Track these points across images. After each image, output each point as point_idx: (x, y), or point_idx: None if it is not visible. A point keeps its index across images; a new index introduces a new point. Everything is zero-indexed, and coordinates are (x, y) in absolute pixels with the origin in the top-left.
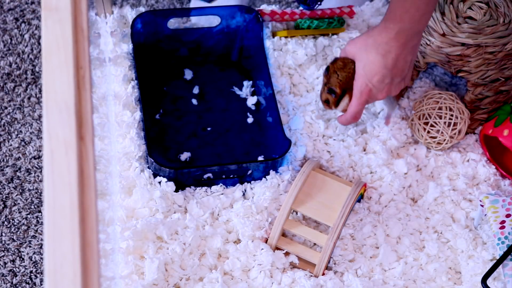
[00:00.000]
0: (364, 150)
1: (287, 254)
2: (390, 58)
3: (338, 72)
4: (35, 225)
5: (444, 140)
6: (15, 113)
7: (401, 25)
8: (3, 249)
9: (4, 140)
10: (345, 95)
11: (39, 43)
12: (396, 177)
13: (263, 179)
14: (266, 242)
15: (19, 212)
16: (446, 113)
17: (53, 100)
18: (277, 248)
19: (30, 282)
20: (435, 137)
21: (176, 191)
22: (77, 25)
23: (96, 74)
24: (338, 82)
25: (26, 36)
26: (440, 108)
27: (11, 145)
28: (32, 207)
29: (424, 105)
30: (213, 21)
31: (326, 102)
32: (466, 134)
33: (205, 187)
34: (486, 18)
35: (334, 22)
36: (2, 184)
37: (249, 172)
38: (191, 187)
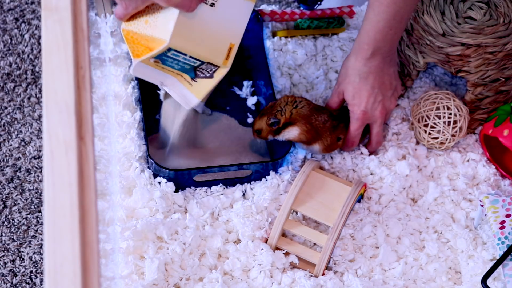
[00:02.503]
0: (365, 151)
1: (287, 254)
2: (372, 78)
3: (287, 106)
4: (35, 225)
5: (447, 139)
6: (15, 113)
7: (376, 45)
8: (3, 249)
9: (4, 140)
10: (290, 126)
11: (39, 43)
12: (396, 178)
13: (263, 179)
14: (266, 242)
15: (19, 212)
16: (444, 113)
17: (53, 100)
18: (277, 248)
19: (30, 282)
20: (437, 138)
21: (176, 191)
22: (77, 25)
23: (96, 74)
24: (285, 113)
25: (26, 36)
26: (437, 108)
27: (11, 145)
28: (32, 207)
29: (421, 107)
30: None
31: (257, 132)
32: (466, 134)
33: (205, 187)
34: (486, 18)
35: (334, 22)
36: (2, 184)
37: (249, 173)
38: (191, 187)
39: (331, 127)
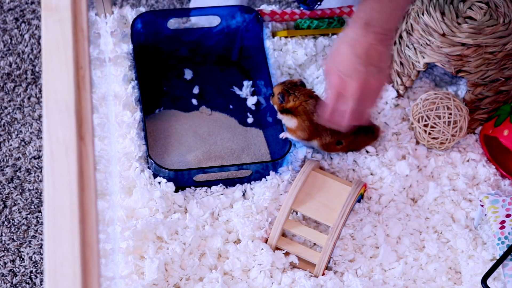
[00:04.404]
0: (365, 151)
1: (287, 254)
2: (359, 47)
3: (300, 99)
4: (35, 225)
5: (447, 139)
6: (15, 113)
7: (371, 14)
8: (3, 249)
9: (4, 140)
10: (291, 115)
11: (39, 43)
12: (396, 178)
13: (263, 179)
14: (266, 242)
15: (19, 212)
16: (444, 113)
17: (53, 100)
18: (277, 248)
19: (30, 282)
20: (437, 138)
21: (176, 191)
22: (77, 25)
23: (96, 74)
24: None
25: (26, 36)
26: (437, 108)
27: (11, 145)
28: (32, 207)
29: (421, 108)
30: (213, 21)
31: (281, 95)
32: (466, 134)
33: (205, 187)
34: (486, 18)
35: (334, 22)
36: (2, 184)
37: (249, 173)
38: (191, 187)
39: (332, 128)
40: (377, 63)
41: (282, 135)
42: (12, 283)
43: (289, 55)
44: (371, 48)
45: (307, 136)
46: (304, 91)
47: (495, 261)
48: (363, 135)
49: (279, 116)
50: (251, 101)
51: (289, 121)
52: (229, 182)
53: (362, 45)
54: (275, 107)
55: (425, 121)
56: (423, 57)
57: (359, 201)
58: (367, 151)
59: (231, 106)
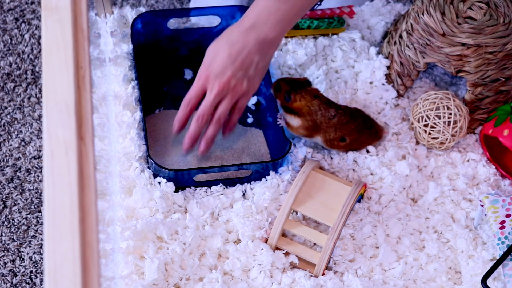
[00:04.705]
0: (365, 151)
1: (287, 254)
2: (235, 48)
3: (304, 99)
4: (35, 225)
5: (447, 139)
6: (15, 113)
7: (258, 19)
8: (3, 249)
9: (4, 140)
10: (295, 115)
11: (39, 43)
12: (396, 178)
13: (263, 179)
14: (266, 242)
15: (19, 212)
16: (444, 113)
17: (53, 100)
18: (277, 248)
19: (30, 282)
20: (437, 138)
21: (176, 191)
22: (77, 25)
23: (96, 74)
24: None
25: (26, 36)
26: (437, 108)
27: (11, 145)
28: (32, 207)
29: (421, 107)
30: (213, 21)
31: (287, 93)
32: (466, 134)
33: (205, 187)
34: (486, 18)
35: (334, 22)
36: (2, 184)
37: (249, 173)
38: (191, 187)
39: (338, 123)
40: (247, 70)
41: (280, 123)
42: (12, 283)
43: (289, 55)
44: (247, 54)
45: (309, 134)
46: (310, 91)
47: (495, 261)
48: (367, 134)
49: (282, 112)
50: (251, 101)
51: (292, 120)
52: (229, 182)
53: (239, 48)
54: (278, 101)
55: (425, 121)
56: (423, 57)
57: (359, 201)
58: (367, 151)
59: None
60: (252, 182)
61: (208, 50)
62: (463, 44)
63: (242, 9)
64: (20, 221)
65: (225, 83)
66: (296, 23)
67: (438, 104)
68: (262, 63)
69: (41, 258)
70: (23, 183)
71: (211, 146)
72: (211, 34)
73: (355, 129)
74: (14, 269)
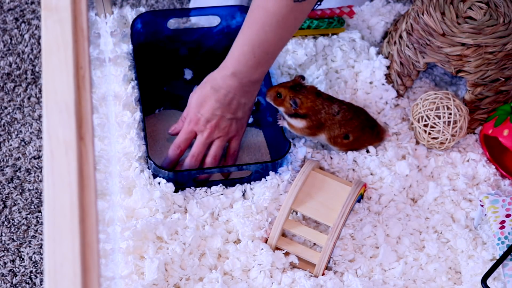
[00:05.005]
0: (365, 151)
1: (287, 254)
2: (222, 93)
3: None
4: (35, 225)
5: (447, 139)
6: (15, 113)
7: (237, 67)
8: (3, 249)
9: (4, 140)
10: (300, 118)
11: (39, 43)
12: (396, 178)
13: (263, 179)
14: (266, 242)
15: (19, 212)
16: (444, 113)
17: (53, 100)
18: (277, 248)
19: (30, 282)
20: (437, 138)
21: (176, 191)
22: (77, 25)
23: (96, 74)
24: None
25: (26, 36)
26: (437, 108)
27: (11, 145)
28: (32, 207)
29: (421, 108)
30: (213, 21)
31: (277, 95)
32: (466, 134)
33: (205, 187)
34: (486, 18)
35: (334, 22)
36: (2, 184)
37: (249, 173)
38: (191, 187)
39: (342, 119)
40: (234, 112)
41: (280, 123)
42: (12, 283)
43: (289, 55)
44: (233, 98)
45: (313, 133)
46: (310, 90)
47: (495, 261)
48: (369, 134)
49: (287, 118)
50: None
51: (298, 123)
52: (229, 182)
53: (225, 93)
54: (281, 109)
55: (425, 121)
56: (423, 57)
57: (359, 201)
58: (367, 151)
59: None
60: (252, 182)
61: (193, 95)
62: (463, 44)
63: (242, 9)
64: (20, 221)
65: (216, 125)
66: None
67: (438, 104)
68: (249, 103)
69: (41, 258)
70: (23, 183)
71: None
72: (211, 34)
73: (359, 126)
74: (14, 269)
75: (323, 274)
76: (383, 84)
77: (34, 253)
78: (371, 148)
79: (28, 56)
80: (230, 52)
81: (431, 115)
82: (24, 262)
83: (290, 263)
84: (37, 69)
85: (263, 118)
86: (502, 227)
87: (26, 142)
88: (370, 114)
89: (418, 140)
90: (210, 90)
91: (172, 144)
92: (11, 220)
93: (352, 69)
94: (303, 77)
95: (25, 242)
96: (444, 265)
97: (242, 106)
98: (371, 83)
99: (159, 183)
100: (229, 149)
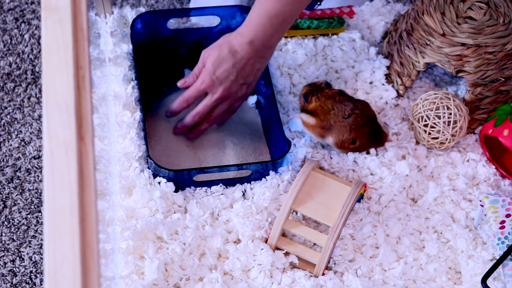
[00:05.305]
0: (366, 152)
1: (287, 254)
2: (239, 58)
3: (324, 103)
4: (35, 225)
5: (447, 139)
6: (15, 113)
7: (255, 35)
8: (3, 249)
9: (4, 140)
10: (310, 114)
11: (39, 43)
12: (396, 178)
13: (263, 179)
14: (266, 242)
15: (19, 212)
16: (444, 113)
17: (53, 100)
18: (277, 248)
19: (30, 282)
20: (437, 138)
21: (176, 191)
22: (77, 25)
23: (96, 74)
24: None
25: (26, 36)
26: (437, 108)
27: (11, 145)
28: (32, 207)
29: (421, 107)
30: (213, 21)
31: (304, 96)
32: (466, 134)
33: (205, 187)
34: (486, 18)
35: (334, 22)
36: (2, 184)
37: (249, 173)
38: (191, 187)
39: (353, 124)
40: (247, 77)
41: (292, 115)
42: (12, 283)
43: (289, 55)
44: (248, 62)
45: (322, 134)
46: (326, 93)
47: (495, 261)
48: (373, 141)
49: (300, 113)
50: (251, 100)
51: (308, 119)
52: (229, 182)
53: (241, 58)
54: (299, 103)
55: (425, 121)
56: (423, 57)
57: (359, 201)
58: (367, 152)
59: None
60: (252, 182)
61: (208, 55)
62: (463, 44)
63: (242, 9)
64: (20, 221)
65: (228, 89)
66: (296, 22)
67: (438, 104)
68: (262, 68)
69: (41, 258)
70: (23, 183)
71: (200, 136)
72: (211, 34)
73: (367, 134)
74: (14, 269)
75: (323, 274)
76: (383, 84)
77: (34, 253)
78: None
79: (28, 56)
80: (247, 21)
81: (431, 115)
82: (24, 262)
83: (290, 263)
84: (37, 69)
85: (263, 117)
86: (502, 227)
87: (26, 142)
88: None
89: (418, 140)
90: (227, 54)
91: (181, 96)
92: (11, 220)
93: (352, 69)
94: (328, 84)
95: (25, 242)
96: (444, 265)
97: (255, 71)
98: (371, 83)
99: (159, 183)
100: (230, 107)
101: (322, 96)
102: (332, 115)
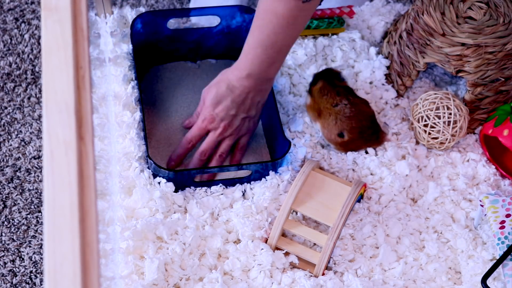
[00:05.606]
0: (365, 151)
1: (287, 254)
2: (237, 93)
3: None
4: (35, 225)
5: (447, 139)
6: (15, 113)
7: (252, 68)
8: (3, 249)
9: (4, 140)
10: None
11: (39, 43)
12: (396, 178)
13: (263, 179)
14: (266, 242)
15: (19, 212)
16: (444, 113)
17: (53, 100)
18: (277, 248)
19: (30, 282)
20: (437, 138)
21: (176, 191)
22: (77, 25)
23: (96, 74)
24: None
25: (26, 36)
26: (437, 108)
27: (11, 145)
28: (32, 207)
29: (421, 107)
30: (213, 21)
31: (314, 76)
32: (466, 134)
33: (205, 187)
34: (486, 18)
35: (334, 22)
36: (2, 184)
37: (249, 173)
38: (191, 187)
39: (339, 114)
40: (248, 111)
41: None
42: (12, 283)
43: (289, 55)
44: (248, 97)
45: (312, 116)
46: (332, 81)
47: (495, 261)
48: (367, 139)
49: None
50: None
51: (307, 98)
52: (229, 182)
53: (240, 94)
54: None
55: (425, 121)
56: (423, 57)
57: (359, 201)
58: (366, 152)
59: None
60: (252, 182)
61: (207, 93)
62: (463, 44)
63: (242, 9)
64: (20, 221)
65: (229, 124)
66: None
67: (438, 104)
68: (262, 101)
69: (41, 258)
70: (23, 183)
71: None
72: (211, 34)
73: (357, 130)
74: (14, 269)
75: (323, 274)
76: (383, 84)
77: (34, 253)
78: (369, 149)
79: (28, 56)
80: (242, 54)
81: (431, 115)
82: (24, 262)
83: (290, 263)
84: (37, 69)
85: (263, 117)
86: (502, 227)
87: (26, 142)
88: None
89: (418, 140)
90: (225, 90)
91: (184, 138)
92: (11, 220)
93: (352, 69)
94: (341, 77)
95: (25, 242)
96: (444, 265)
97: (256, 104)
98: (371, 83)
99: (159, 183)
100: (238, 144)
101: (326, 82)
102: (324, 101)
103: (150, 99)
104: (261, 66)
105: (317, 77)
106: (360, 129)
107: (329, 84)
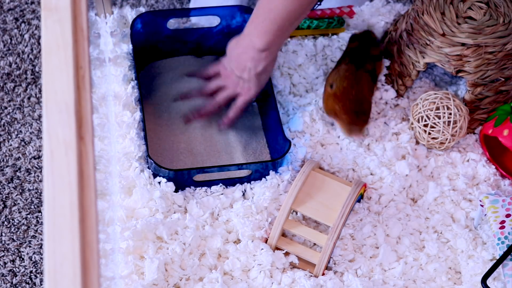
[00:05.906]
0: (365, 151)
1: (287, 254)
2: (260, 65)
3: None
4: (35, 225)
5: (447, 139)
6: (15, 113)
7: (273, 41)
8: (3, 249)
9: (4, 140)
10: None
11: (39, 43)
12: (396, 178)
13: (263, 179)
14: (266, 242)
15: (19, 212)
16: (444, 113)
17: (53, 100)
18: (277, 248)
19: (30, 282)
20: (437, 138)
21: (176, 191)
22: (77, 25)
23: (96, 74)
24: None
25: (26, 36)
26: (437, 108)
27: (11, 145)
28: (32, 207)
29: (421, 107)
30: (213, 21)
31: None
32: (466, 134)
33: (205, 187)
34: (486, 18)
35: (334, 22)
36: (2, 184)
37: (249, 173)
38: (191, 187)
39: (344, 70)
40: (266, 79)
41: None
42: (12, 283)
43: (289, 55)
44: (267, 68)
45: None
46: (363, 44)
47: (495, 261)
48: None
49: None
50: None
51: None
52: (229, 182)
53: (263, 64)
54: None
55: (425, 121)
56: (423, 57)
57: (359, 201)
58: (365, 151)
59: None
60: (252, 182)
61: (232, 54)
62: (463, 44)
63: (242, 9)
64: (20, 221)
65: (256, 91)
66: None
67: (438, 104)
68: (271, 69)
69: (41, 258)
70: (23, 183)
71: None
72: (211, 34)
73: (346, 89)
74: (14, 269)
75: (323, 274)
76: (383, 84)
77: (34, 253)
78: (370, 147)
79: (28, 56)
80: (257, 29)
81: (431, 115)
82: (24, 262)
83: (290, 263)
84: (37, 69)
85: (264, 118)
86: (502, 227)
87: (26, 142)
88: (370, 114)
89: (418, 140)
90: (251, 63)
91: (202, 87)
92: (11, 220)
93: None
94: (379, 48)
95: (25, 242)
96: (444, 265)
97: (268, 72)
98: None
99: (159, 183)
100: (235, 103)
101: (359, 44)
102: (343, 54)
103: (149, 96)
104: (280, 38)
105: (354, 37)
106: (348, 94)
107: (360, 45)
